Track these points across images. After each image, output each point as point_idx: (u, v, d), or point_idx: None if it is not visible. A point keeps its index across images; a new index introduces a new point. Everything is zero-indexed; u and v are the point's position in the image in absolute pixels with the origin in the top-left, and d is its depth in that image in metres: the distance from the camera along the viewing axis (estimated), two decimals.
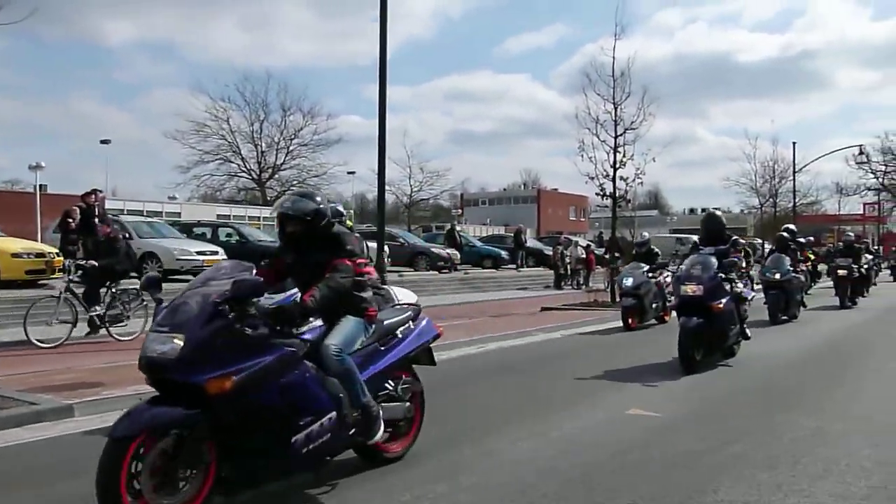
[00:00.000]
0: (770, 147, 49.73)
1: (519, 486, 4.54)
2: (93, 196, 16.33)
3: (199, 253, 18.11)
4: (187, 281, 17.74)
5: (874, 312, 17.47)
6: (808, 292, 21.17)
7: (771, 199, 47.11)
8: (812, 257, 23.65)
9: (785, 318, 14.71)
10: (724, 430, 5.87)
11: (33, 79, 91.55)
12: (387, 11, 12.69)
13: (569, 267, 27.52)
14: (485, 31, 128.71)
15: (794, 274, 15.30)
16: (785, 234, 17.04)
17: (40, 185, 32.64)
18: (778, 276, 14.87)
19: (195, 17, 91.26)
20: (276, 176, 50.96)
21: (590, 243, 33.70)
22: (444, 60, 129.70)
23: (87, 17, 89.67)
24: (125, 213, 28.45)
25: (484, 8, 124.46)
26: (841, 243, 22.64)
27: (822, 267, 26.75)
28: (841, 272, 19.12)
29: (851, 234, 22.22)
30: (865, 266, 22.25)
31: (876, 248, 34.92)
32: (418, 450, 5.31)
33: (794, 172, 42.72)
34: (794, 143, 41.95)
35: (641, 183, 20.23)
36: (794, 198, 44.10)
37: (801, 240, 24.43)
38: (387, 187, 14.36)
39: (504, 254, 31.55)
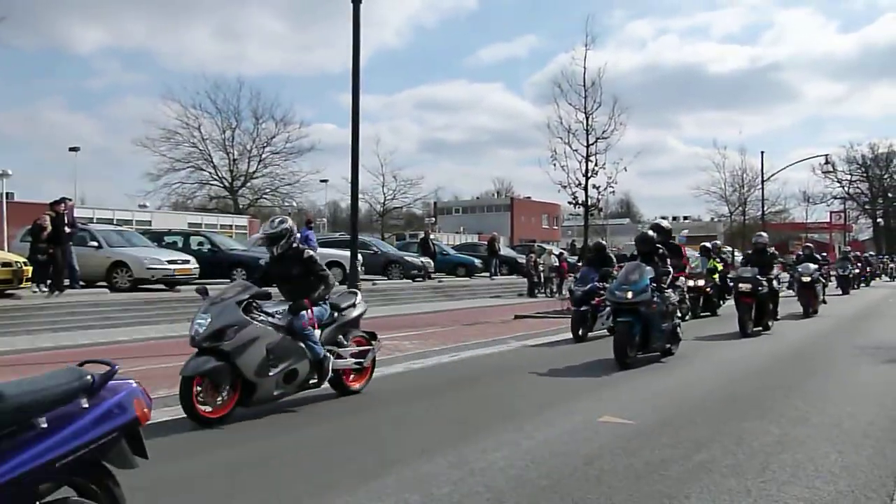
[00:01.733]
0: (739, 157, 50.42)
1: (492, 495, 4.55)
2: (62, 205, 16.16)
3: (169, 262, 17.92)
4: (158, 290, 17.53)
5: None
6: (717, 312, 18.29)
7: (740, 208, 47.76)
8: (720, 266, 19.24)
9: (654, 353, 10.43)
10: (693, 438, 5.93)
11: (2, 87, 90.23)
12: (359, 20, 12.71)
13: (542, 275, 27.67)
14: (458, 40, 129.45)
15: (660, 293, 10.36)
16: (651, 232, 11.72)
17: (7, 193, 32.20)
18: (630, 295, 10.01)
19: (168, 25, 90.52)
20: (249, 184, 50.78)
21: (563, 251, 33.91)
22: (417, 70, 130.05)
23: (57, 24, 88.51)
24: (94, 221, 28.06)
25: (457, 18, 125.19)
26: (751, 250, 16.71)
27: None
28: (743, 287, 13.84)
29: (764, 235, 16.23)
30: (814, 278, 18.82)
31: (823, 255, 29.45)
32: (391, 458, 5.31)
33: (763, 181, 43.34)
34: (762, 153, 42.87)
35: (613, 192, 20.46)
36: (763, 206, 44.71)
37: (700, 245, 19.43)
38: (360, 195, 14.35)
39: (478, 262, 31.62)
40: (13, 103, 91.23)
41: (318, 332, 7.36)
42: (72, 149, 46.63)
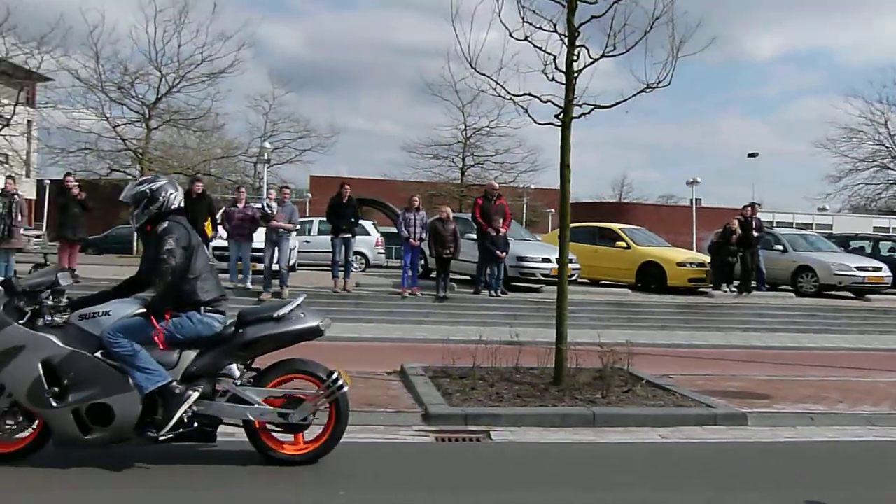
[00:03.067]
0: None
1: None
2: (749, 209, 16.77)
3: (859, 268, 16.82)
4: (846, 298, 16.75)
5: None
6: None
7: None
8: None
9: None
10: None
11: (682, 102, 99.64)
12: None
13: None
14: None
15: None
16: None
17: (695, 199, 35.08)
18: None
19: (846, 22, 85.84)
20: None
21: None
22: None
23: (738, 37, 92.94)
24: (774, 225, 28.38)
25: None
26: None
27: None
28: None
29: None
30: None
31: None
32: None
33: None
34: None
35: None
36: None
37: None
38: None
39: None
40: (690, 116, 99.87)
41: (179, 354, 4.80)
42: (750, 154, 48.08)
